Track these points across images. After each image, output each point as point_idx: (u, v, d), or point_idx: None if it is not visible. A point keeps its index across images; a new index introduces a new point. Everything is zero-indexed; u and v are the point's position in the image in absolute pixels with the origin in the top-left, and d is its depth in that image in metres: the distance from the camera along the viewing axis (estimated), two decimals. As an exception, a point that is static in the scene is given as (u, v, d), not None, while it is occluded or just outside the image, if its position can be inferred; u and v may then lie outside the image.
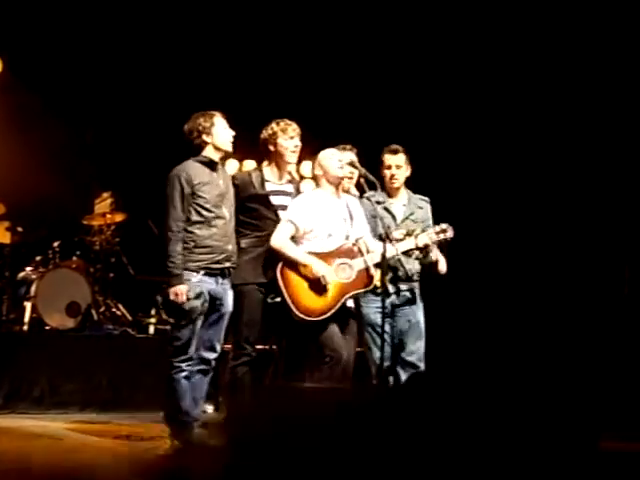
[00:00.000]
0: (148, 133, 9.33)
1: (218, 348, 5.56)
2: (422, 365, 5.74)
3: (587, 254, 7.95)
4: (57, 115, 9.03)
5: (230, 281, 5.51)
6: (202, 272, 5.34)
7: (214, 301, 5.44)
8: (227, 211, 5.50)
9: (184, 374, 5.36)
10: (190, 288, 5.30)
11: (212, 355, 5.52)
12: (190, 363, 5.39)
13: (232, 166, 8.73)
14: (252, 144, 5.90)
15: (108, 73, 9.17)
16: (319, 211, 5.50)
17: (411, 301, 5.83)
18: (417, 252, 5.64)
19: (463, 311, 8.24)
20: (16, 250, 8.05)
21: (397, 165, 5.88)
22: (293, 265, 5.39)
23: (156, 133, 9.27)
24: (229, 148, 5.58)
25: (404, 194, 5.98)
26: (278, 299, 5.38)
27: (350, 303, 5.57)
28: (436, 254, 5.69)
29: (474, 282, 8.22)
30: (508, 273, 8.22)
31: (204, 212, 5.38)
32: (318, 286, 5.35)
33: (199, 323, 5.39)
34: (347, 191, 5.84)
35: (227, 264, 5.46)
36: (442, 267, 5.79)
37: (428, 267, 5.79)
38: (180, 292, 5.28)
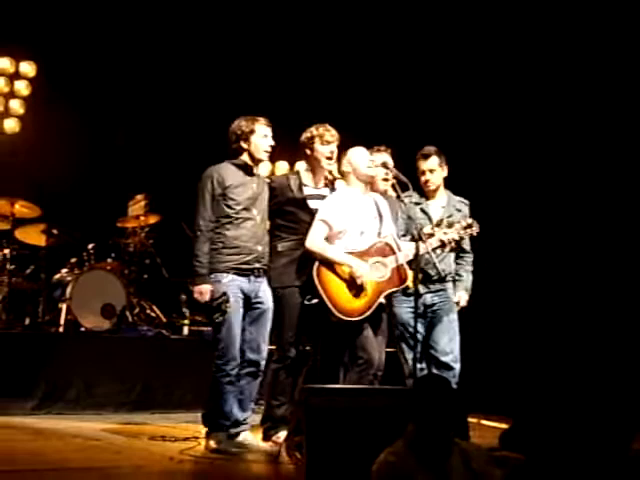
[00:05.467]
0: (181, 135, 9.38)
1: (263, 348, 5.49)
2: (457, 366, 5.69)
3: (612, 261, 7.83)
4: (91, 118, 9.14)
5: (265, 279, 5.49)
6: (232, 272, 5.33)
7: (249, 299, 5.42)
8: (258, 213, 5.48)
9: (228, 379, 5.31)
10: (216, 289, 5.28)
11: (258, 356, 5.45)
12: (235, 365, 5.34)
13: (264, 167, 8.74)
14: (285, 146, 5.91)
15: (142, 76, 9.25)
16: (350, 209, 5.45)
17: (444, 301, 5.81)
18: (449, 247, 5.62)
19: (493, 312, 8.17)
20: (52, 252, 8.11)
21: (430, 170, 5.85)
22: (329, 266, 5.33)
23: (189, 134, 9.33)
24: (263, 157, 5.57)
25: (443, 195, 5.94)
26: (315, 300, 5.30)
27: (381, 300, 5.48)
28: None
29: (503, 283, 8.15)
30: (535, 275, 8.14)
31: (233, 213, 5.37)
32: (355, 286, 5.29)
33: (236, 323, 5.34)
34: (385, 193, 5.80)
35: (257, 265, 5.43)
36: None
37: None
38: (204, 291, 5.28)
